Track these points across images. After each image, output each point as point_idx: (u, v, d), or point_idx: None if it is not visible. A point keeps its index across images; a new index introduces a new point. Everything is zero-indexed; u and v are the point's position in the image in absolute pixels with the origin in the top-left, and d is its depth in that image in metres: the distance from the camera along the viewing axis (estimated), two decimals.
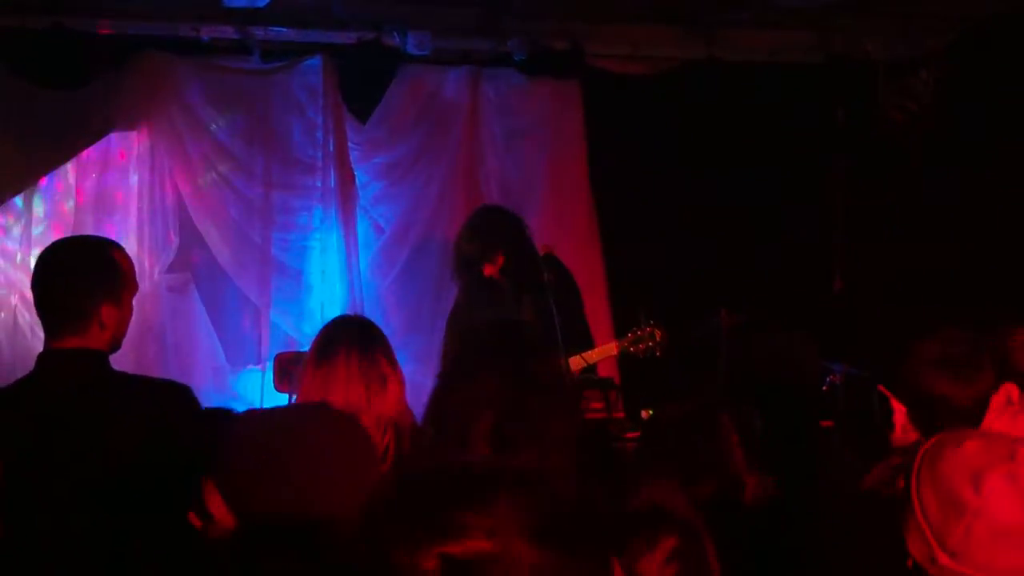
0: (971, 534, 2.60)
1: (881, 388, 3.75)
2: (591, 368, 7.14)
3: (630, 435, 6.87)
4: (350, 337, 4.44)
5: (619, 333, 7.49)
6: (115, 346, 3.78)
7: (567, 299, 7.07)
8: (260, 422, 2.74)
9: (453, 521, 1.70)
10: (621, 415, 6.83)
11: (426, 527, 1.71)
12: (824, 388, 7.06)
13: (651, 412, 7.14)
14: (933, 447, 2.78)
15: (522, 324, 5.62)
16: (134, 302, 7.76)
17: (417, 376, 8.27)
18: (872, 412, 4.14)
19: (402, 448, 4.24)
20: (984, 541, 2.60)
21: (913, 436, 3.55)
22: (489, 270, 6.99)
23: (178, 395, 3.75)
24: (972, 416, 3.55)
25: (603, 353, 7.09)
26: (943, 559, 2.64)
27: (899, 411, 3.67)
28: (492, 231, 7.07)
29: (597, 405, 6.67)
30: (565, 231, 8.51)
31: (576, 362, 7.03)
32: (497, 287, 7.00)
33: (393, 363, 4.41)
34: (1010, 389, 3.77)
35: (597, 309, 8.23)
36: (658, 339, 6.98)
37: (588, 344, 7.20)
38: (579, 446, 3.36)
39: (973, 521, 2.60)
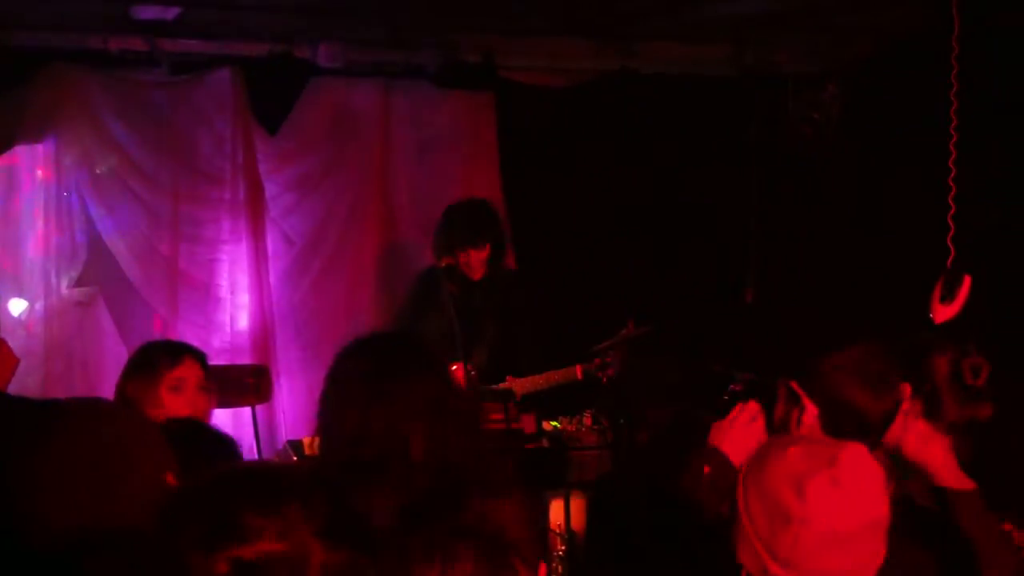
0: (799, 542, 2.62)
1: (794, 385, 3.75)
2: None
3: (529, 445, 6.90)
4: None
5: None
6: None
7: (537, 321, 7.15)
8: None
9: (245, 524, 1.71)
10: (519, 426, 6.84)
11: (218, 531, 1.72)
12: (725, 397, 7.10)
13: (555, 424, 7.20)
14: (757, 455, 2.81)
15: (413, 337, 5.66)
16: (41, 317, 7.74)
17: None
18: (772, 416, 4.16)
19: None
20: (812, 548, 2.62)
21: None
22: (473, 257, 7.00)
23: None
24: (878, 429, 3.57)
25: (565, 377, 7.09)
26: (774, 569, 2.66)
27: (810, 411, 3.68)
28: (484, 217, 7.17)
29: (496, 416, 6.67)
30: None
31: (536, 381, 7.07)
32: (464, 289, 7.03)
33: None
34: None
35: None
36: (611, 374, 6.97)
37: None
38: (482, 457, 3.38)
39: (800, 529, 2.62)
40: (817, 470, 2.66)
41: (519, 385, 7.02)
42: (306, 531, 1.73)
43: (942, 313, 5.36)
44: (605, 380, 6.99)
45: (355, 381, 3.39)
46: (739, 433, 3.55)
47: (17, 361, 3.72)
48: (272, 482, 1.82)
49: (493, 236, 7.13)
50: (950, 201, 6.21)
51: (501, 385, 6.97)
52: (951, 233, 6.13)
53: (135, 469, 2.50)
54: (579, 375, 7.01)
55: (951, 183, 6.22)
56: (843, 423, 3.57)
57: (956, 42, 6.28)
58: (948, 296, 5.38)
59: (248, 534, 1.71)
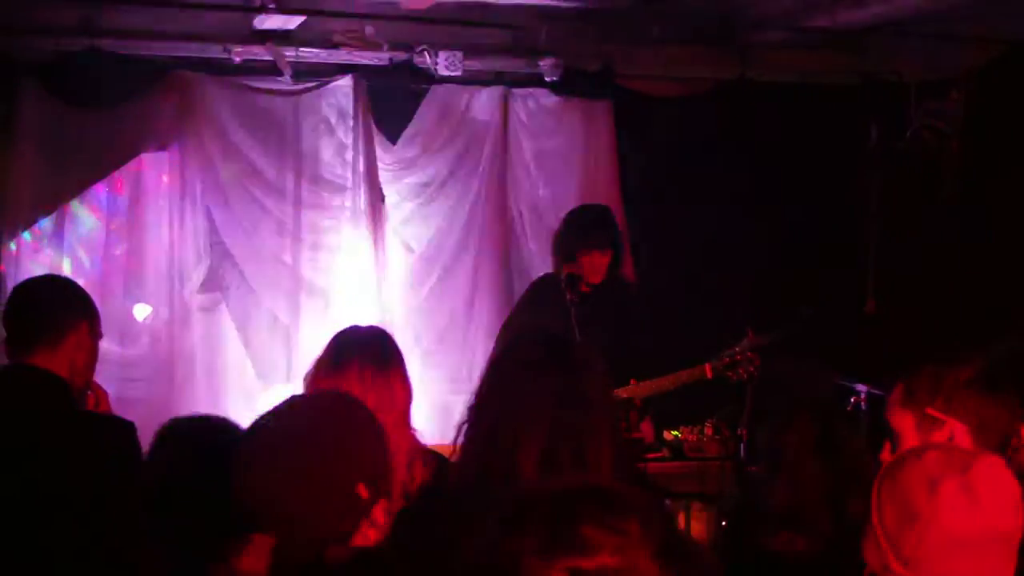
0: (923, 542, 2.63)
1: (932, 412, 3.71)
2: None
3: (651, 455, 6.87)
4: (366, 349, 4.39)
5: None
6: (83, 376, 3.80)
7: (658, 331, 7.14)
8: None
9: (587, 537, 1.78)
10: (639, 435, 6.82)
11: (561, 541, 1.78)
12: (848, 408, 7.05)
13: (675, 433, 7.16)
14: (896, 459, 2.82)
15: (571, 339, 5.65)
16: (165, 322, 7.88)
17: (447, 396, 8.30)
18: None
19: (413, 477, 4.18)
20: (936, 549, 2.63)
21: None
22: (597, 260, 7.04)
23: (112, 433, 3.73)
24: (1008, 442, 3.56)
25: (692, 376, 6.97)
26: (896, 567, 2.67)
27: (959, 430, 3.64)
28: (612, 224, 7.25)
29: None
30: None
31: (662, 384, 6.97)
32: (581, 295, 7.04)
33: (407, 384, 4.33)
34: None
35: None
36: (756, 366, 6.87)
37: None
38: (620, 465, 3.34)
39: (925, 529, 2.63)
40: (951, 474, 2.67)
41: (644, 388, 6.89)
42: (643, 550, 1.78)
43: None
44: (735, 379, 6.90)
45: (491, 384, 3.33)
46: None
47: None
48: (614, 500, 1.87)
49: (616, 241, 7.12)
50: None
51: (623, 389, 6.83)
52: None
53: (337, 470, 2.59)
54: (708, 374, 6.90)
55: None
56: (989, 439, 3.55)
57: None
58: None
59: (588, 546, 1.77)
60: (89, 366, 3.88)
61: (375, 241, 8.31)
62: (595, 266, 7.05)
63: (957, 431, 3.60)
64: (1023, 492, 2.76)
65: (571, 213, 7.42)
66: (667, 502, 6.69)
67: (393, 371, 4.35)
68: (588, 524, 1.78)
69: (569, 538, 1.77)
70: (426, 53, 8.17)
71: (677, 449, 7.06)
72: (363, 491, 2.59)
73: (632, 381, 6.92)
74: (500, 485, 3.01)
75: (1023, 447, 3.69)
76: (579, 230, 7.14)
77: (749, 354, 6.82)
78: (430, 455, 4.34)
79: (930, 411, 3.67)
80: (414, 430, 4.39)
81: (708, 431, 7.19)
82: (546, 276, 7.43)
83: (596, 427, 3.14)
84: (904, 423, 3.73)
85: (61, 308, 3.85)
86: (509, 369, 3.27)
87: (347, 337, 4.47)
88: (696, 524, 6.84)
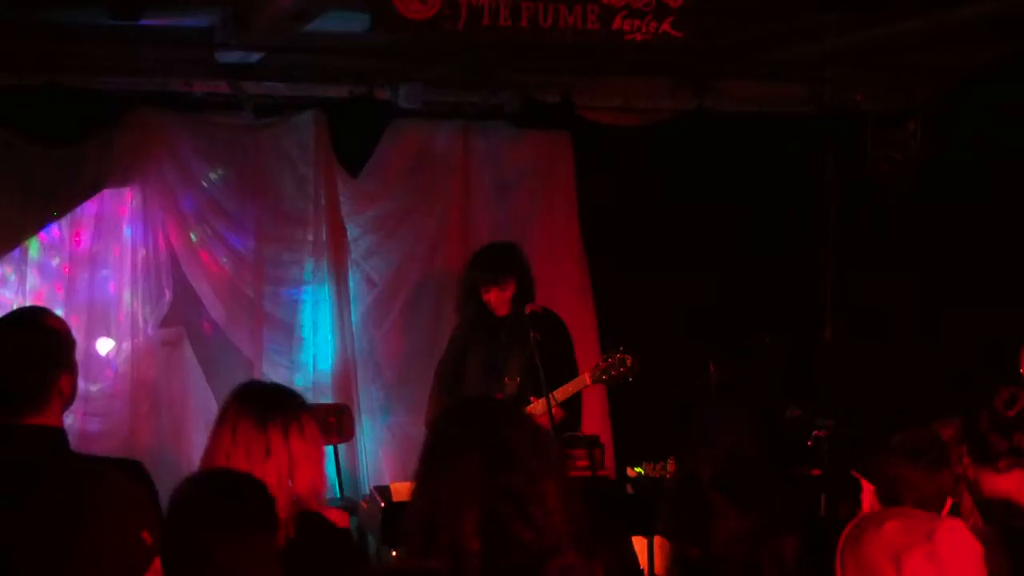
0: None
1: (854, 473, 3.80)
2: (575, 409, 7.14)
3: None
4: (247, 401, 4.30)
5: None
6: (68, 405, 3.85)
7: (559, 352, 7.15)
8: None
9: None
10: (605, 473, 6.86)
11: None
12: (809, 443, 7.11)
13: (638, 470, 7.19)
14: (855, 528, 2.83)
15: (490, 399, 5.68)
16: (128, 356, 7.85)
17: (410, 428, 8.33)
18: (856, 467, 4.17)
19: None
20: None
21: None
22: (496, 296, 7.15)
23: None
24: (933, 503, 3.60)
25: (576, 386, 7.05)
26: None
27: (867, 490, 3.72)
28: (507, 257, 7.33)
29: (582, 464, 6.69)
30: (556, 282, 8.54)
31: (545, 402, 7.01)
32: (491, 328, 7.10)
33: (292, 437, 4.08)
34: None
35: (588, 358, 8.19)
36: (629, 365, 6.92)
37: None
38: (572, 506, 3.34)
39: None
40: (915, 544, 2.69)
41: (540, 405, 6.78)
42: None
43: None
44: (611, 382, 6.99)
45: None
46: None
47: None
48: None
49: (517, 274, 7.23)
50: None
51: (527, 409, 6.78)
52: None
53: (108, 531, 2.57)
54: (588, 381, 6.99)
55: None
56: (898, 497, 3.61)
57: None
58: None
59: None
60: (70, 399, 3.91)
61: (337, 274, 8.32)
62: (499, 300, 7.20)
63: (866, 493, 3.68)
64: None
65: (475, 254, 7.59)
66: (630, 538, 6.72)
67: (308, 428, 4.27)
68: None
69: None
70: (386, 86, 8.20)
71: (640, 485, 7.08)
72: (147, 537, 2.63)
73: (531, 399, 6.99)
74: (445, 554, 3.01)
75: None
76: (480, 267, 7.31)
77: (619, 356, 6.92)
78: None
79: (853, 472, 3.75)
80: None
81: (671, 467, 7.23)
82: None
83: (533, 480, 3.13)
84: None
85: (39, 372, 3.77)
86: (435, 444, 3.27)
87: (254, 394, 4.40)
88: (659, 558, 6.85)
